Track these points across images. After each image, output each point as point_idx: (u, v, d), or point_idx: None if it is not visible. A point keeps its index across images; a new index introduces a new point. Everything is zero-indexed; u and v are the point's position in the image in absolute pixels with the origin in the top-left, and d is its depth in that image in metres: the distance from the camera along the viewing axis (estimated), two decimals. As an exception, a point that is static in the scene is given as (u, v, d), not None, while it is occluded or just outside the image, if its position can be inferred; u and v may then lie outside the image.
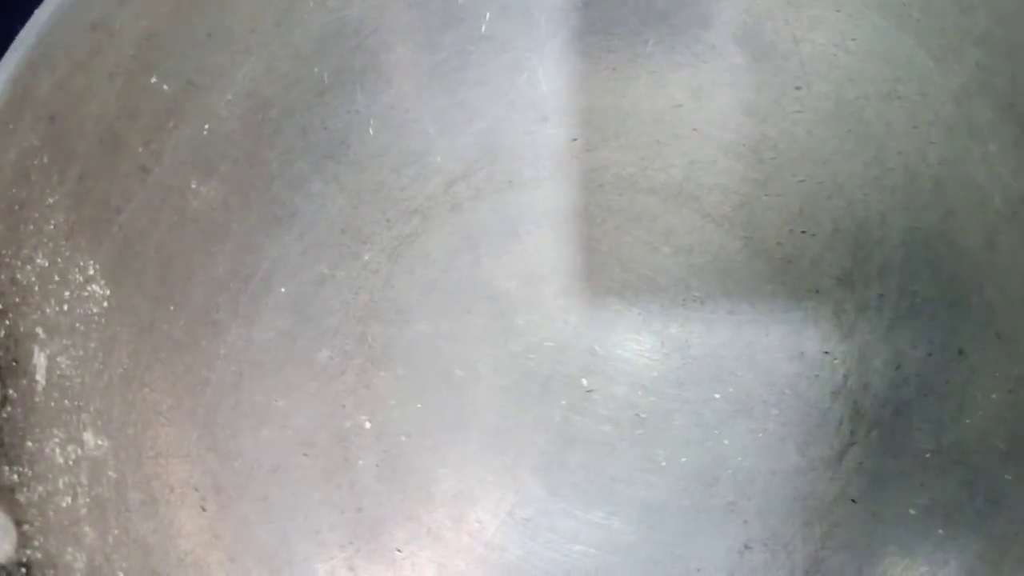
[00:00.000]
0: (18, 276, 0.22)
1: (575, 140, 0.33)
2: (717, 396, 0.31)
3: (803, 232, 0.32)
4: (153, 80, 0.25)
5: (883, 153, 0.31)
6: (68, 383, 0.23)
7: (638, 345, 0.32)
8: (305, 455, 0.28)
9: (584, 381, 0.31)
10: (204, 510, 0.26)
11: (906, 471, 0.29)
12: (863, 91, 0.31)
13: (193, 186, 0.27)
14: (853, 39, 0.31)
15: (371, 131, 0.31)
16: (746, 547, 0.29)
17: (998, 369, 0.28)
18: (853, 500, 0.29)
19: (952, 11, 0.29)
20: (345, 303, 0.30)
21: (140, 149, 0.25)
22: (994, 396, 0.28)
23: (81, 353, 0.24)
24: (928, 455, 0.29)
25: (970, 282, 0.30)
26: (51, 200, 0.23)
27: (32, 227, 0.23)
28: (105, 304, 0.24)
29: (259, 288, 0.29)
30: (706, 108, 0.33)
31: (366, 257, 0.31)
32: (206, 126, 0.27)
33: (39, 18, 0.22)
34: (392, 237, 0.31)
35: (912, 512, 0.29)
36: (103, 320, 0.24)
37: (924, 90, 0.30)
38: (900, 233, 0.31)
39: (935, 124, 0.30)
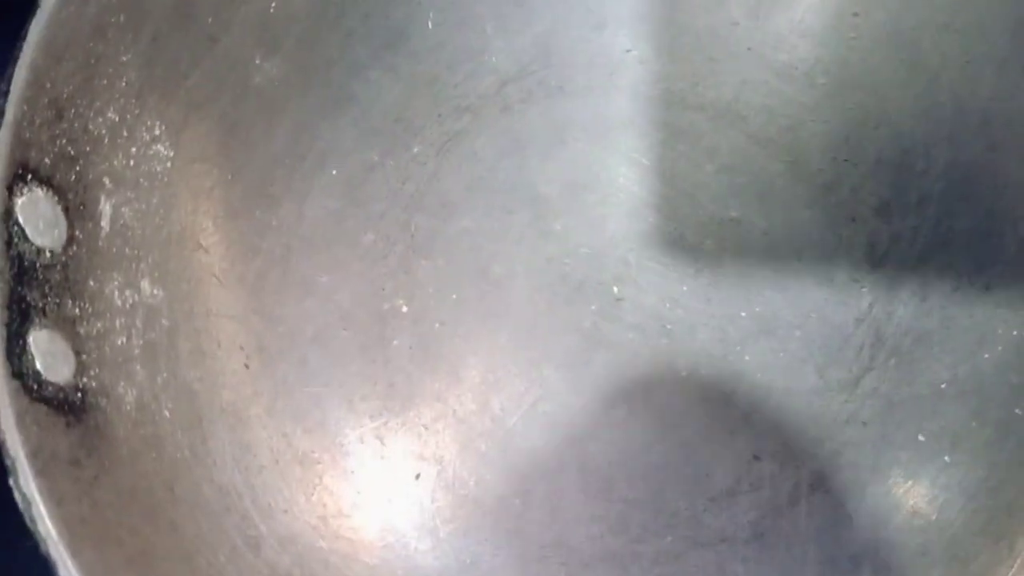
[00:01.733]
0: (90, 126, 0.23)
1: (629, 51, 0.33)
2: (743, 314, 0.32)
3: (846, 160, 0.32)
4: (226, -47, 0.26)
5: (934, 85, 0.31)
6: (129, 233, 0.25)
7: (671, 259, 0.33)
8: (344, 329, 0.30)
9: (615, 289, 0.32)
10: (247, 367, 0.28)
11: (920, 398, 0.29)
12: (920, 21, 0.31)
13: (257, 61, 0.28)
14: (916, -31, 0.31)
15: (430, 24, 0.31)
16: (756, 457, 0.30)
17: (1022, 306, 0.29)
18: (864, 423, 0.30)
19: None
20: (393, 191, 0.31)
21: (210, 19, 0.26)
22: (1015, 332, 0.29)
23: (143, 207, 0.25)
24: (943, 385, 0.29)
25: (1005, 218, 0.30)
26: (125, 58, 0.24)
27: (106, 82, 0.24)
28: (168, 164, 0.26)
29: (312, 167, 0.30)
30: (762, 28, 0.33)
31: (416, 149, 0.32)
32: (273, 3, 0.28)
33: None
34: (442, 132, 0.32)
35: (921, 438, 0.29)
36: (165, 179, 0.26)
37: (981, 22, 0.30)
38: (942, 166, 0.31)
39: (988, 58, 0.30)
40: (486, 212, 0.32)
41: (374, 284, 0.30)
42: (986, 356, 0.29)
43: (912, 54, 0.31)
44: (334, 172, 0.30)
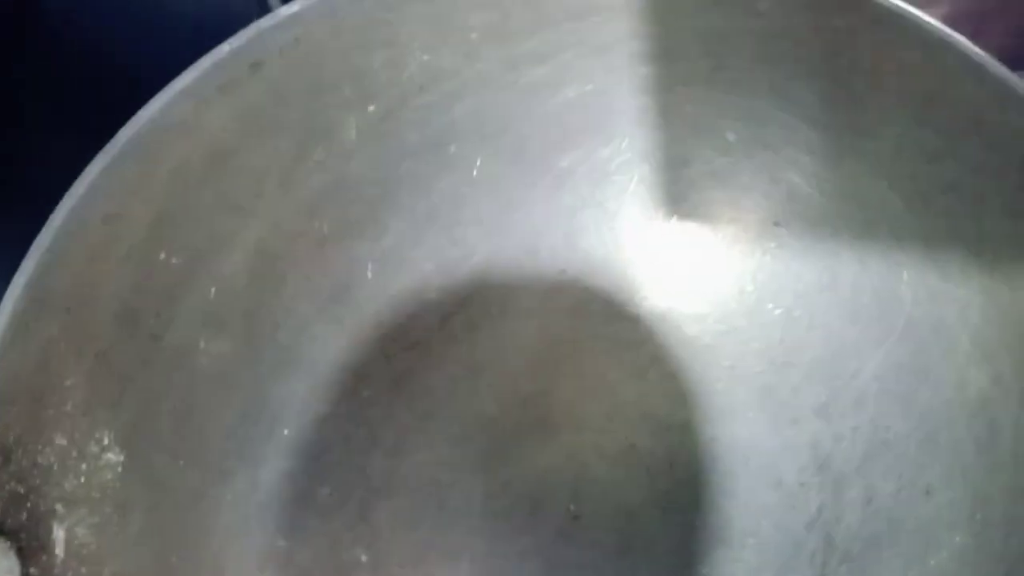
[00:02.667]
0: (39, 459, 0.24)
1: (564, 271, 0.34)
2: (698, 523, 0.33)
3: (783, 362, 0.33)
4: (163, 256, 0.27)
5: (858, 289, 0.33)
6: (85, 550, 0.25)
7: (624, 470, 0.33)
8: (308, 593, 0.30)
9: (572, 507, 0.33)
10: (212, 651, 0.28)
11: (874, 607, 0.30)
12: (837, 230, 0.33)
13: (202, 345, 0.29)
14: (827, 180, 0.33)
15: (369, 274, 0.32)
16: (724, 672, 0.31)
17: (963, 510, 0.30)
18: (825, 630, 0.31)
19: (921, 159, 0.31)
20: (346, 438, 0.32)
21: (152, 320, 0.27)
22: (958, 538, 0.30)
23: (97, 520, 0.26)
24: (895, 592, 0.30)
25: (940, 419, 0.31)
26: (69, 382, 0.25)
27: (52, 411, 0.24)
28: (120, 469, 0.26)
29: (265, 432, 0.30)
30: (690, 240, 0.34)
31: (366, 393, 0.32)
32: (213, 288, 0.29)
33: (54, 221, 0.24)
34: (391, 371, 0.33)
35: (880, 645, 0.30)
36: (118, 484, 0.26)
37: (896, 233, 0.32)
38: (874, 366, 0.32)
39: (907, 266, 0.32)
40: (441, 444, 0.33)
41: (332, 537, 0.31)
42: (932, 563, 0.30)
43: (833, 261, 0.33)
44: (286, 432, 0.31)
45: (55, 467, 0.25)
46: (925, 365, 0.31)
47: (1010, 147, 0.29)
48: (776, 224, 0.33)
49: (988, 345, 0.31)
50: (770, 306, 0.34)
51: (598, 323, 0.34)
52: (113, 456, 0.26)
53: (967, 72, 0.28)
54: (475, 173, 0.33)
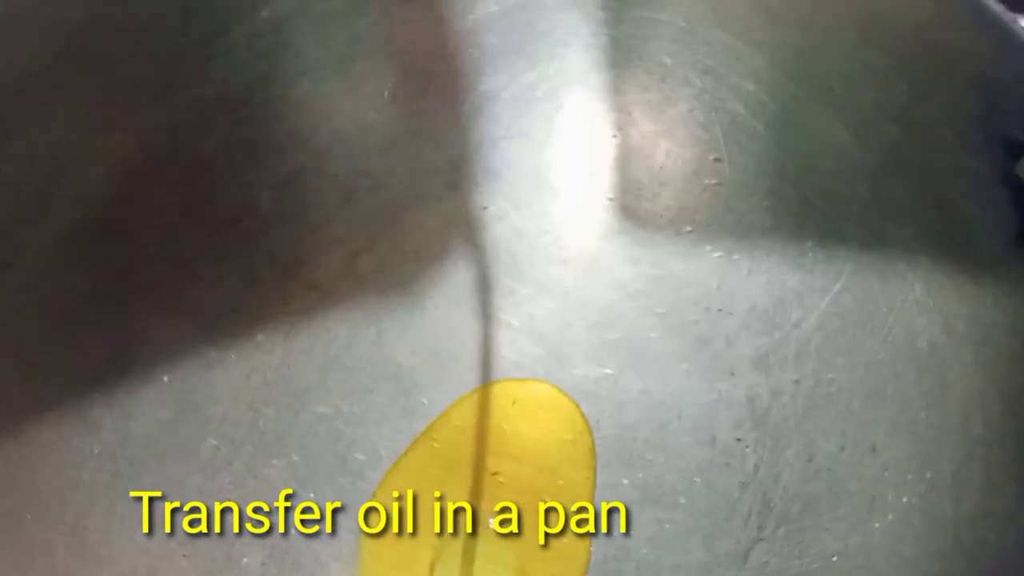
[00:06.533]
0: None
1: (486, 208, 0.31)
2: (625, 481, 0.30)
3: (719, 310, 0.31)
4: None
5: (802, 231, 0.30)
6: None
7: (547, 424, 0.31)
8: (185, 556, 0.27)
9: (490, 464, 0.30)
10: (72, 622, 0.25)
11: (810, 573, 0.28)
12: (782, 165, 0.30)
13: (61, 276, 0.25)
14: (772, 111, 0.30)
15: (264, 204, 0.29)
16: (648, 644, 0.28)
17: (910, 470, 0.27)
18: (758, 597, 0.28)
19: (868, 85, 0.28)
20: (235, 388, 0.29)
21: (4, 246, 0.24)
22: (904, 499, 0.27)
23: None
24: (834, 558, 0.27)
25: (887, 372, 0.29)
26: None
27: None
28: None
29: (139, 377, 0.27)
30: (622, 176, 0.31)
31: (260, 337, 0.29)
32: (71, 214, 0.25)
33: None
34: (289, 314, 0.30)
35: (816, 615, 0.28)
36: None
37: (841, 166, 0.29)
38: (818, 316, 0.30)
39: (853, 203, 0.29)
40: (343, 394, 0.30)
41: (218, 497, 0.28)
42: (876, 525, 0.27)
43: (776, 200, 0.30)
44: (165, 379, 0.28)
45: None
46: (872, 314, 0.29)
47: (964, 70, 0.26)
48: (716, 159, 0.31)
49: (941, 292, 0.28)
50: (708, 248, 0.31)
51: (521, 266, 0.31)
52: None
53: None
54: (385, 95, 0.30)
